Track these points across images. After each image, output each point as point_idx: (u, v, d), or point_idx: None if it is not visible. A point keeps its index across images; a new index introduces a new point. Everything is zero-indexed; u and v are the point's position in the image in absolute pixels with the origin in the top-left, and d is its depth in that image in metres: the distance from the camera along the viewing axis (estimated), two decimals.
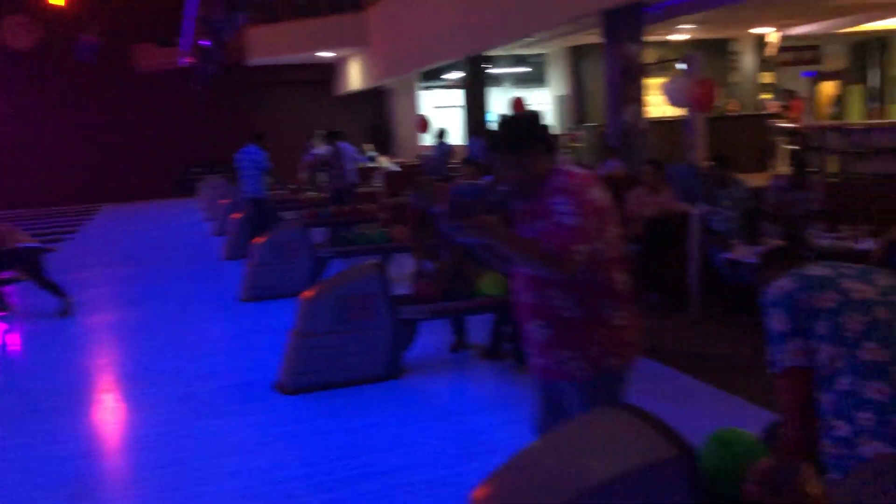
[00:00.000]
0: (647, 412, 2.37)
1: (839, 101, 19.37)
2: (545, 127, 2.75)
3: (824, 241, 6.16)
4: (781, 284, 2.22)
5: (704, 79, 10.42)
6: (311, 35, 19.71)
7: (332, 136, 11.86)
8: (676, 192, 6.42)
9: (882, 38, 20.68)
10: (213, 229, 14.00)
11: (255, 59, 20.85)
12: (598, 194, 2.64)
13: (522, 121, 2.75)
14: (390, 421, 4.72)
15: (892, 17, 15.93)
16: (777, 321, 2.17)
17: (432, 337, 6.13)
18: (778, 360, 2.16)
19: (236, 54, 20.29)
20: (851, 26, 16.85)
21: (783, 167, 13.75)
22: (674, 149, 14.86)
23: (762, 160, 15.84)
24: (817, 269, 2.22)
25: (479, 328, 6.05)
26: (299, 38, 19.76)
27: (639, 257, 6.98)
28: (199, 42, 16.79)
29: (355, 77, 22.23)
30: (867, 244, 5.79)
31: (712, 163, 7.01)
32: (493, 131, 2.76)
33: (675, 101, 10.72)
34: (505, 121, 2.78)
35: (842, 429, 1.99)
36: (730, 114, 17.25)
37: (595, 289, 2.68)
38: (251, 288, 8.22)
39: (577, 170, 2.71)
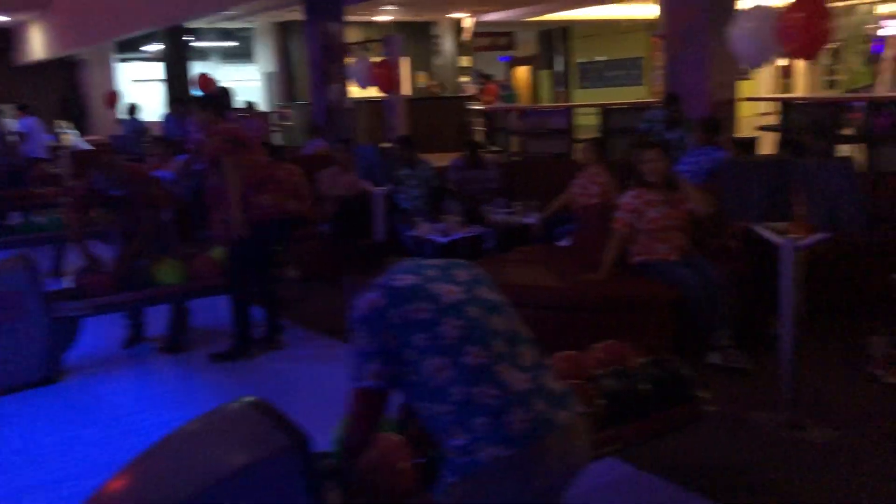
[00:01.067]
0: (266, 404, 2.33)
1: (508, 88, 20.92)
2: None
3: (499, 216, 6.56)
4: (370, 299, 2.13)
5: (385, 60, 10.73)
6: None
7: None
8: (361, 172, 6.45)
9: (566, 27, 22.71)
10: None
11: None
12: None
13: None
14: (41, 431, 4.22)
15: (574, 8, 17.48)
16: (360, 339, 2.12)
17: (106, 332, 5.61)
18: (357, 377, 2.13)
19: None
20: (538, 15, 18.26)
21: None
22: (379, 129, 15.11)
23: (462, 140, 16.71)
24: (404, 279, 2.14)
25: (160, 319, 5.64)
26: None
27: (331, 237, 6.98)
28: None
29: (38, 45, 19.99)
30: (532, 218, 6.26)
31: (394, 143, 7.17)
32: None
33: (360, 82, 10.95)
34: None
35: (459, 437, 1.97)
36: (431, 95, 17.97)
37: None
38: None
39: None
